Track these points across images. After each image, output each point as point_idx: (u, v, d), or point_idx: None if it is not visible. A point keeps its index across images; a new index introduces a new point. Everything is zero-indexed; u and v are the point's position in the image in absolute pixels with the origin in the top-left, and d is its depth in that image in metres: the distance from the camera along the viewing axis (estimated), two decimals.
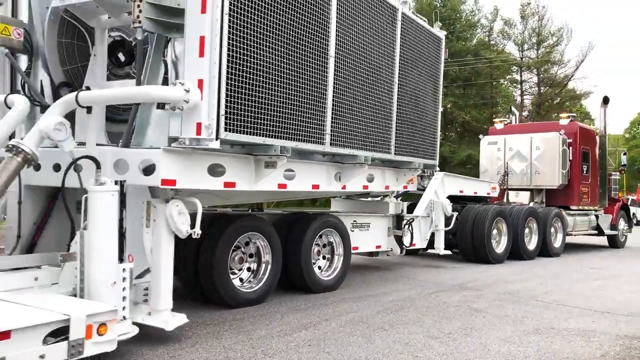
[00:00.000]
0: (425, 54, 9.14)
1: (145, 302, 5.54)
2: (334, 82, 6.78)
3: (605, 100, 17.58)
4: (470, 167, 35.52)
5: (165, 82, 5.78)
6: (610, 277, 10.96)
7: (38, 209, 6.30)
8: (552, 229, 14.41)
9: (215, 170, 5.83)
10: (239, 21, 5.28)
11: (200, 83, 5.13)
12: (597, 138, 17.10)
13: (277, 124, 5.87)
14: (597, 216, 16.75)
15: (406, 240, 10.31)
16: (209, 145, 5.15)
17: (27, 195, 6.14)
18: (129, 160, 5.40)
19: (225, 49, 5.16)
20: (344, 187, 7.86)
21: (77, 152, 5.37)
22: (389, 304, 7.52)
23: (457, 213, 11.87)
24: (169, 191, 5.48)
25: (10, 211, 6.18)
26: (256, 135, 5.60)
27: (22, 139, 5.18)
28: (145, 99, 5.36)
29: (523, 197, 16.04)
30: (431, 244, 11.58)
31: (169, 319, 5.34)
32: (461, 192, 12.70)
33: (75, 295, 4.90)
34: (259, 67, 5.57)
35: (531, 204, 15.14)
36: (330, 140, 6.81)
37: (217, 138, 5.15)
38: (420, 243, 11.10)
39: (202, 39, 5.13)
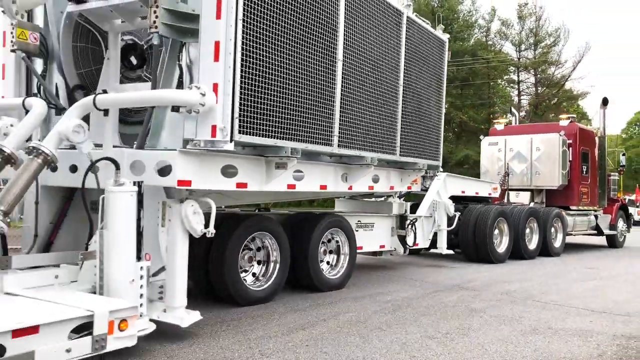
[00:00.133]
0: (429, 56, 9.31)
1: (160, 300, 5.68)
2: (342, 85, 6.95)
3: (605, 102, 17.75)
4: (467, 167, 35.73)
5: (179, 85, 5.93)
6: (608, 277, 11.03)
7: (54, 209, 6.45)
8: (553, 229, 14.59)
9: (227, 171, 5.98)
10: (252, 27, 5.45)
11: (215, 87, 5.29)
12: (597, 139, 17.29)
13: (288, 126, 6.03)
14: (596, 216, 16.94)
15: (409, 240, 10.47)
16: (224, 147, 5.31)
17: (44, 196, 6.29)
18: (145, 161, 5.55)
19: (239, 54, 5.32)
20: (350, 188, 8.02)
21: (94, 153, 5.52)
22: (387, 304, 7.56)
23: (459, 213, 12.04)
24: (183, 191, 5.64)
25: (27, 211, 6.32)
26: (268, 137, 5.77)
27: (39, 141, 5.34)
28: (162, 102, 5.51)
29: (523, 198, 16.21)
30: (434, 243, 11.77)
31: (184, 316, 5.49)
32: (463, 192, 12.87)
33: (94, 293, 5.05)
34: (270, 71, 5.73)
35: (531, 204, 15.32)
36: (338, 141, 6.97)
37: (231, 140, 5.31)
38: (423, 243, 11.29)
39: (217, 44, 5.29)
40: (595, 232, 17.11)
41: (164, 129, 5.97)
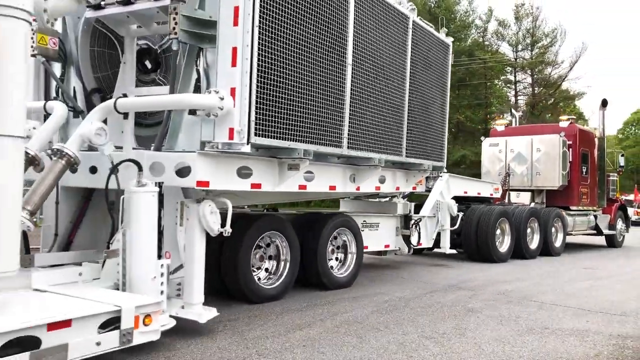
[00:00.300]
0: (434, 59, 9.52)
1: (178, 297, 5.88)
2: (351, 89, 7.16)
3: (604, 103, 17.93)
4: (464, 167, 35.90)
5: (196, 89, 6.12)
6: (605, 276, 11.05)
7: (74, 209, 6.65)
8: (553, 229, 14.79)
9: (242, 172, 6.18)
10: (267, 33, 5.65)
11: (232, 91, 5.49)
12: (596, 140, 17.51)
13: (301, 128, 6.23)
14: (595, 216, 17.14)
15: (414, 240, 10.67)
16: (241, 149, 5.52)
17: (64, 196, 6.48)
18: (164, 163, 5.74)
19: (255, 59, 5.53)
20: (358, 188, 8.23)
21: (115, 155, 5.71)
22: (384, 304, 7.57)
23: (462, 213, 12.25)
24: (200, 192, 5.83)
25: (47, 211, 6.51)
26: (282, 139, 5.97)
27: (59, 142, 5.53)
28: (182, 106, 5.70)
29: (524, 198, 16.42)
30: (437, 243, 11.95)
31: (202, 312, 5.69)
32: (465, 193, 13.07)
33: (117, 289, 5.25)
34: (284, 76, 5.94)
35: (532, 205, 15.54)
36: (348, 143, 7.18)
37: (248, 142, 5.52)
38: (426, 242, 11.48)
39: (234, 49, 5.49)
40: (594, 232, 17.31)
41: (181, 132, 6.17)
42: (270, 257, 7.57)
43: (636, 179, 56.36)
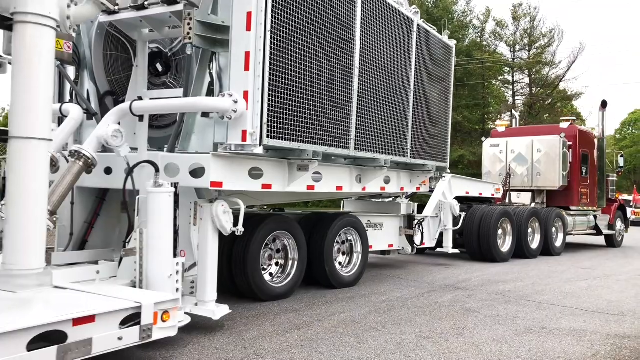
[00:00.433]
0: (438, 62, 9.69)
1: (191, 295, 6.03)
2: (358, 91, 7.32)
3: (604, 104, 18.08)
4: (462, 168, 36.05)
5: (209, 92, 6.28)
6: (603, 276, 11.12)
7: (88, 209, 6.80)
8: (554, 229, 14.96)
9: (254, 173, 6.33)
10: (278, 38, 5.81)
11: (245, 94, 5.64)
12: (595, 141, 17.68)
13: (311, 130, 6.39)
14: (595, 216, 17.31)
15: (417, 240, 10.84)
16: (254, 151, 5.67)
17: (79, 197, 6.64)
18: (179, 164, 5.90)
19: (267, 63, 5.68)
20: (364, 189, 8.39)
21: (131, 157, 5.86)
22: (382, 304, 7.61)
23: (464, 213, 12.40)
24: (213, 192, 5.99)
25: (62, 211, 6.64)
26: (293, 141, 6.13)
27: (73, 144, 5.68)
28: (198, 109, 5.86)
29: (524, 198, 16.57)
30: (439, 243, 12.10)
31: (215, 309, 5.84)
32: (467, 193, 13.24)
33: (133, 287, 5.39)
34: (295, 79, 6.10)
35: (533, 205, 15.71)
36: (355, 145, 7.34)
37: (260, 144, 5.68)
38: (429, 242, 11.65)
39: (247, 54, 5.65)
40: (594, 232, 17.49)
41: (194, 134, 6.32)
42: (278, 257, 7.73)
43: (633, 179, 56.61)
